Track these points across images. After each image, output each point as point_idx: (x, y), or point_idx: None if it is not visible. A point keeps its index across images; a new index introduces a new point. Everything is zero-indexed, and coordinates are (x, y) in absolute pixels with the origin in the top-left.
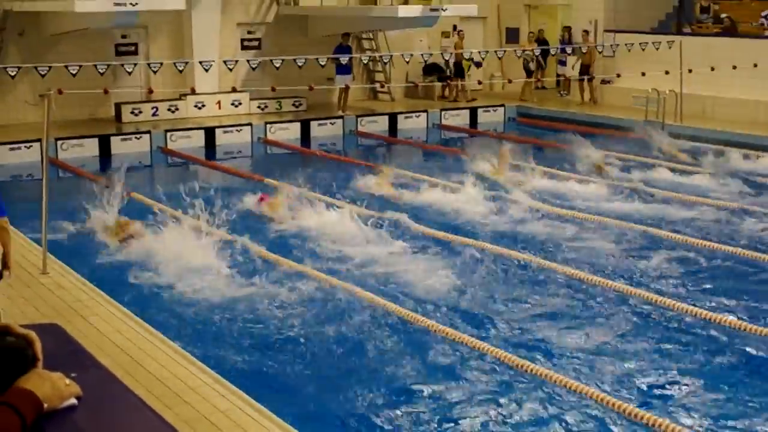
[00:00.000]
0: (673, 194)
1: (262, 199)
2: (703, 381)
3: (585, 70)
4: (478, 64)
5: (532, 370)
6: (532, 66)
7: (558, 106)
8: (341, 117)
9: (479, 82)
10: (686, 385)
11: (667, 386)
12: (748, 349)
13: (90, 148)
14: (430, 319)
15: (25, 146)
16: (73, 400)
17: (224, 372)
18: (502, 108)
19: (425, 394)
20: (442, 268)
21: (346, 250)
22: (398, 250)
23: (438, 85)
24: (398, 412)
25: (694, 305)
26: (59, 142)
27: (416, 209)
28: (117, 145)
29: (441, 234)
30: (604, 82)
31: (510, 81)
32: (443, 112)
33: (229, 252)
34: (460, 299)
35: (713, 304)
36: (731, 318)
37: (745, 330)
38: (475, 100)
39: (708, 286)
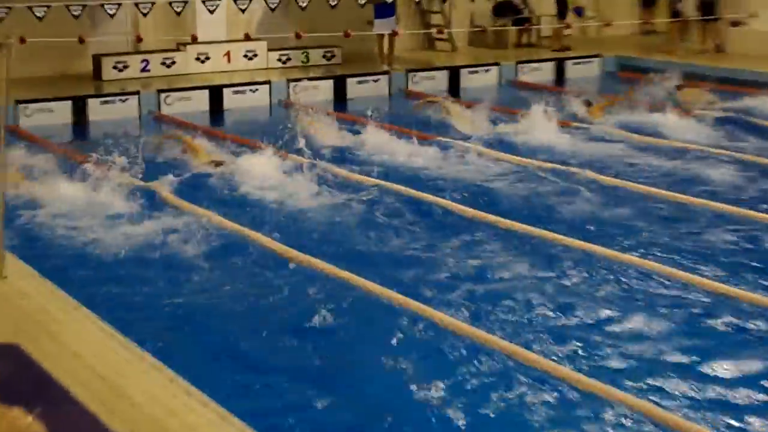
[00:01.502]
0: None
1: None
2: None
3: (708, 8)
4: (579, 12)
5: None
6: (681, 6)
7: (674, 56)
8: (387, 72)
9: (567, 26)
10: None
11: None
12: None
13: (61, 113)
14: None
15: None
16: None
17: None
18: (598, 59)
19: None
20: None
21: None
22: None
23: (512, 29)
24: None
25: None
26: (21, 106)
27: None
28: (96, 109)
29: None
30: (734, 24)
31: (608, 24)
32: (519, 65)
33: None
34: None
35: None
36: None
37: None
38: (569, 49)
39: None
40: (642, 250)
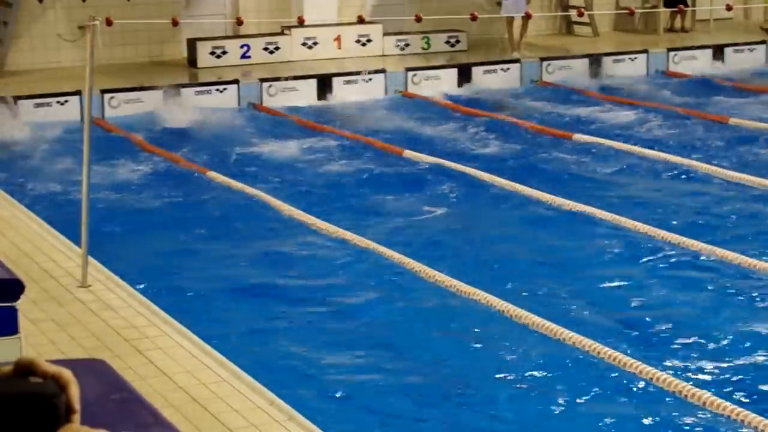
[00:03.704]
0: None
1: None
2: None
3: None
4: None
5: None
6: None
7: None
8: (518, 60)
9: (728, 8)
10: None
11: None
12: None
13: (152, 104)
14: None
15: (58, 101)
16: None
17: None
18: (764, 46)
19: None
20: None
21: None
22: None
23: (665, 11)
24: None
25: None
26: (107, 96)
27: None
28: (191, 100)
29: None
30: None
31: None
32: (672, 53)
33: None
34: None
35: None
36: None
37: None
38: None
39: None
40: None
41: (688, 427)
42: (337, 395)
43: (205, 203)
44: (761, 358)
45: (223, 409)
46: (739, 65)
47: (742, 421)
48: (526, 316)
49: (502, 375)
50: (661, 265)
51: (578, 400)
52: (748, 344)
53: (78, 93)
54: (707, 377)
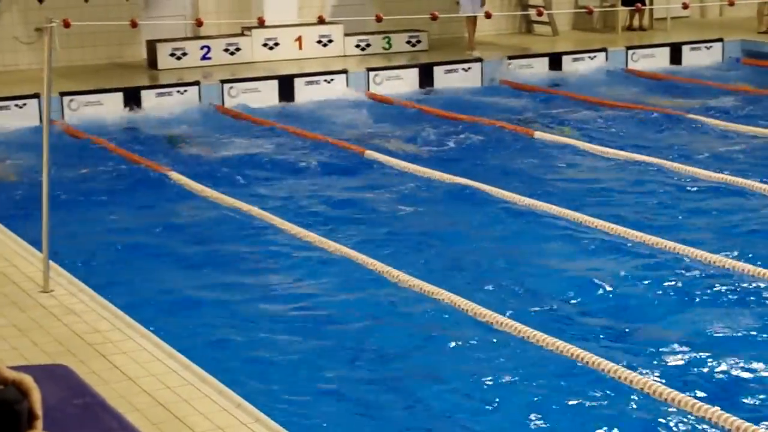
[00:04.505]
0: None
1: None
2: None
3: None
4: None
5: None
6: None
7: None
8: (479, 60)
9: (685, 6)
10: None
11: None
12: None
13: (112, 106)
14: None
15: (16, 104)
16: None
17: None
18: (720, 44)
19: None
20: None
21: None
22: None
23: (623, 10)
24: None
25: None
26: (66, 99)
27: None
28: (151, 101)
29: None
30: None
31: (732, 3)
32: (630, 52)
33: None
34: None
35: None
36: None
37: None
38: None
39: None
40: None
41: (657, 427)
42: (304, 397)
43: (167, 205)
44: (724, 354)
45: (189, 413)
46: (696, 62)
47: (716, 422)
48: (492, 316)
49: (473, 376)
50: (626, 263)
51: (545, 400)
52: (710, 340)
53: (37, 96)
54: (676, 376)
